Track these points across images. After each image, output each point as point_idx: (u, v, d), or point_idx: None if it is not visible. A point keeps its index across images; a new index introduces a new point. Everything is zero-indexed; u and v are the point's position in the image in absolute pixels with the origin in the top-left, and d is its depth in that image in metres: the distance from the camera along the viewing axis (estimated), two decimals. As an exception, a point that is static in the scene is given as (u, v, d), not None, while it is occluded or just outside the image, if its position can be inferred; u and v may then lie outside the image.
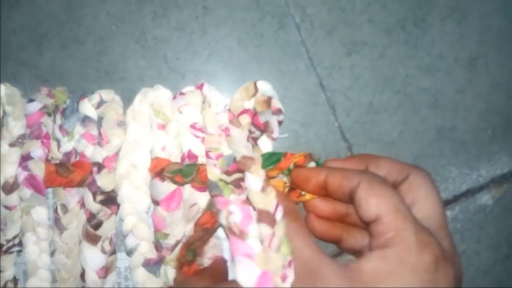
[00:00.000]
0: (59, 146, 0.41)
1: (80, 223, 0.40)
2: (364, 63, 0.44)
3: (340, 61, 0.44)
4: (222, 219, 0.37)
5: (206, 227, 0.38)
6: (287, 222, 0.34)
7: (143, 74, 0.44)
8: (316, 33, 0.44)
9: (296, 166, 0.38)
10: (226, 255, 0.40)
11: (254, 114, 0.40)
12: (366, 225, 0.31)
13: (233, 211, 0.36)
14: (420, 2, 0.44)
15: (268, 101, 0.40)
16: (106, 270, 0.40)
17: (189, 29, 0.44)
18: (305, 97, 0.43)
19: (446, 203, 0.43)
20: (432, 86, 0.44)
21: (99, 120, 0.40)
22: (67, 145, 0.40)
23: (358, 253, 0.37)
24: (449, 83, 0.44)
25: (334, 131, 0.43)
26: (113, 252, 0.40)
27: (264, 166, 0.38)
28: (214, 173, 0.38)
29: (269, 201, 0.36)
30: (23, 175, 0.39)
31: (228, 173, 0.38)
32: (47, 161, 0.40)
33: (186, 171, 0.39)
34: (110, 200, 0.39)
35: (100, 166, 0.39)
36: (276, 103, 0.40)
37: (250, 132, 0.40)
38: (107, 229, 0.40)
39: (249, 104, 0.40)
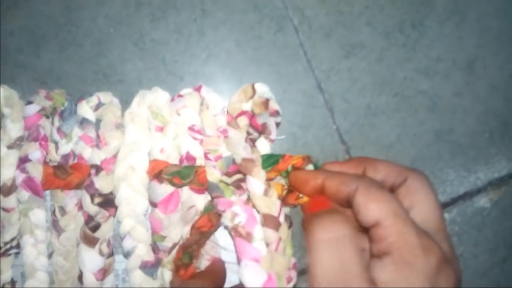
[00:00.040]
0: (57, 148, 0.41)
1: (78, 225, 0.40)
2: (362, 65, 0.44)
3: (338, 64, 0.44)
4: (227, 221, 0.37)
5: (203, 230, 0.38)
6: (336, 218, 0.32)
7: (141, 77, 0.44)
8: (314, 35, 0.44)
9: (294, 168, 0.38)
10: (223, 258, 0.40)
11: (252, 116, 0.40)
12: (365, 230, 0.31)
13: (237, 212, 0.37)
14: (418, 5, 0.44)
15: (265, 103, 0.40)
16: (104, 272, 0.40)
17: (187, 31, 0.44)
18: (303, 99, 0.43)
19: (444, 206, 0.43)
20: (430, 89, 0.44)
21: (97, 122, 0.40)
22: (65, 147, 0.40)
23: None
24: (447, 86, 0.44)
25: (332, 134, 0.43)
26: (111, 254, 0.40)
27: (262, 167, 0.38)
28: (214, 174, 0.38)
29: (272, 204, 0.36)
30: (21, 177, 0.39)
31: (228, 174, 0.38)
32: (45, 163, 0.40)
33: (184, 173, 0.39)
34: (108, 202, 0.39)
35: (98, 169, 0.39)
36: (274, 105, 0.40)
37: (248, 133, 0.40)
38: (105, 231, 0.40)
39: (247, 106, 0.40)
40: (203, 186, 0.39)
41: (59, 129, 0.41)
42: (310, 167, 0.38)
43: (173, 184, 0.39)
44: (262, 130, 0.40)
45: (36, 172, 0.39)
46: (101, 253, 0.39)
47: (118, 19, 0.44)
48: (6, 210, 0.39)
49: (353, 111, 0.43)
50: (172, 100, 0.41)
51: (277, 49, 0.44)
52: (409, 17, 0.44)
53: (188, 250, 0.38)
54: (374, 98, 0.44)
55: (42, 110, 0.41)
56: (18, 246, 0.40)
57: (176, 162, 0.40)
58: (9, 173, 0.39)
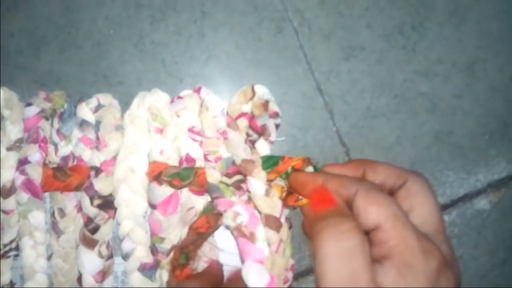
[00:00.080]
0: (56, 150, 0.41)
1: (77, 227, 0.40)
2: (362, 67, 0.44)
3: (338, 66, 0.44)
4: (229, 220, 0.37)
5: (200, 231, 0.38)
6: (348, 226, 0.30)
7: (141, 78, 0.44)
8: (314, 37, 0.44)
9: (294, 170, 0.38)
10: (221, 260, 0.40)
11: (252, 117, 0.40)
12: (365, 234, 0.31)
13: (239, 211, 0.37)
14: (418, 7, 0.44)
15: (265, 105, 0.40)
16: (103, 275, 0.40)
17: (187, 33, 0.44)
18: (303, 101, 0.43)
19: (444, 208, 0.43)
20: (430, 90, 0.44)
21: (97, 124, 0.40)
22: (65, 149, 0.40)
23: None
24: (447, 87, 0.44)
25: (332, 136, 0.43)
26: (110, 256, 0.40)
27: (262, 169, 0.38)
28: (214, 175, 0.38)
29: (274, 204, 0.36)
30: (20, 179, 0.39)
31: (228, 175, 0.38)
32: (45, 165, 0.40)
33: (184, 175, 0.39)
34: (107, 204, 0.39)
35: (97, 170, 0.39)
36: (273, 107, 0.40)
37: (248, 135, 0.40)
38: (104, 233, 0.40)
39: (247, 108, 0.40)
40: (202, 187, 0.39)
41: (58, 131, 0.41)
42: (310, 169, 0.38)
43: (172, 185, 0.39)
44: (261, 132, 0.40)
45: (36, 174, 0.39)
46: (100, 255, 0.39)
47: (118, 20, 0.44)
48: (6, 212, 0.39)
49: (353, 113, 0.43)
50: (172, 101, 0.41)
51: (277, 51, 0.44)
52: (409, 19, 0.44)
53: (185, 250, 0.38)
54: (374, 100, 0.43)
55: (41, 112, 0.41)
56: (17, 248, 0.40)
57: (176, 163, 0.40)
58: (9, 175, 0.39)
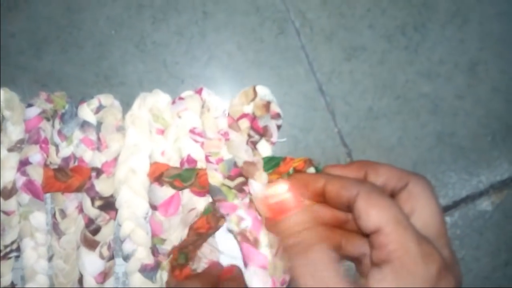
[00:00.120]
0: (57, 151, 0.41)
1: (78, 228, 0.40)
2: (364, 68, 0.44)
3: (339, 66, 0.44)
4: (232, 225, 0.37)
5: (201, 232, 0.38)
6: (312, 240, 0.30)
7: (142, 79, 0.43)
8: (316, 38, 0.44)
9: (296, 171, 0.38)
10: (222, 262, 0.40)
11: (253, 118, 0.40)
12: (366, 236, 0.31)
13: (243, 216, 0.37)
14: (420, 8, 0.44)
15: (267, 106, 0.40)
16: (104, 276, 0.39)
17: (189, 33, 0.44)
18: (304, 102, 0.43)
19: (446, 209, 0.43)
20: (432, 91, 0.44)
21: (98, 125, 0.40)
22: (66, 150, 0.40)
23: (357, 260, 0.37)
24: (449, 88, 0.44)
25: (334, 137, 0.43)
26: (111, 258, 0.40)
27: (263, 170, 0.38)
28: (215, 177, 0.38)
29: None
30: (21, 180, 0.39)
31: (230, 178, 0.38)
32: (46, 166, 0.40)
33: (185, 176, 0.39)
34: (108, 205, 0.39)
35: (98, 171, 0.39)
36: (275, 108, 0.40)
37: (249, 136, 0.40)
38: (105, 234, 0.39)
39: (248, 109, 0.40)
40: (204, 189, 0.39)
41: (59, 132, 0.41)
42: (311, 170, 0.38)
43: (174, 187, 0.39)
44: (263, 133, 0.40)
45: (37, 175, 0.39)
46: (101, 256, 0.39)
47: (119, 21, 0.44)
48: (7, 213, 0.39)
49: (355, 113, 0.43)
50: (173, 102, 0.41)
51: (278, 52, 0.44)
52: (411, 19, 0.44)
53: (184, 251, 0.38)
54: (376, 100, 0.43)
55: (42, 113, 0.41)
56: (18, 249, 0.40)
57: (177, 165, 0.40)
58: (10, 176, 0.39)
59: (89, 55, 0.44)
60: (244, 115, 0.40)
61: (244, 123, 0.40)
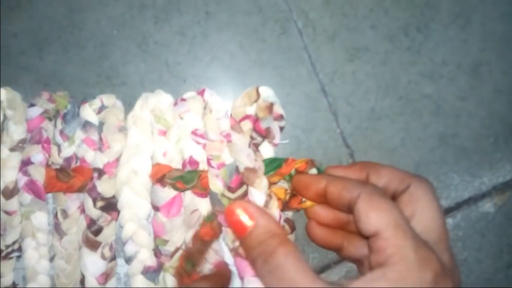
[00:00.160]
0: (59, 151, 0.41)
1: (80, 229, 0.40)
2: (367, 69, 0.43)
3: (342, 67, 0.43)
4: (227, 240, 0.37)
5: (205, 239, 0.38)
6: (274, 245, 0.31)
7: (144, 79, 0.43)
8: (318, 38, 0.44)
9: (298, 172, 0.38)
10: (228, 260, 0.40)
11: (256, 120, 0.40)
12: (366, 238, 0.31)
13: None
14: (423, 9, 0.44)
15: (270, 107, 0.40)
16: (106, 277, 0.39)
17: (191, 33, 0.44)
18: (307, 102, 0.43)
19: (448, 211, 0.43)
20: (435, 92, 0.43)
21: (100, 125, 0.40)
22: (68, 150, 0.40)
23: (358, 261, 0.37)
24: (452, 89, 0.44)
25: (336, 137, 0.43)
26: (113, 258, 0.40)
27: (265, 172, 0.38)
28: (216, 185, 0.38)
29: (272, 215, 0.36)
30: (23, 180, 0.39)
31: (231, 190, 0.38)
32: (48, 166, 0.40)
33: (188, 178, 0.38)
34: (110, 206, 0.39)
35: (100, 172, 0.39)
36: (278, 109, 0.40)
37: (252, 138, 0.39)
38: (107, 235, 0.39)
39: (251, 110, 0.40)
40: (206, 190, 0.39)
41: (61, 132, 0.41)
42: (314, 171, 0.38)
43: (176, 188, 0.39)
44: (265, 135, 0.39)
45: (39, 175, 0.39)
46: (103, 257, 0.39)
47: (121, 21, 0.44)
48: (8, 213, 0.39)
49: (357, 114, 0.43)
50: (175, 104, 0.41)
51: (281, 52, 0.43)
52: (414, 20, 0.44)
53: (191, 259, 0.38)
54: (378, 101, 0.43)
55: (44, 113, 0.40)
56: (19, 249, 0.40)
57: (179, 166, 0.40)
58: (11, 175, 0.39)
59: (91, 55, 0.44)
60: (246, 117, 0.40)
61: (247, 125, 0.40)
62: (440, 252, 0.30)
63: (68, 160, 0.40)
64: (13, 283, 0.40)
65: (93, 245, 0.39)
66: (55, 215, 0.40)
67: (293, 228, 0.39)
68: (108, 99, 0.41)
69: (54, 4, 0.44)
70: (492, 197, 0.43)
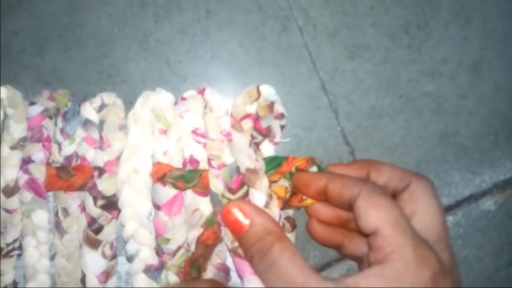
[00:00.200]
0: (60, 149, 0.41)
1: (80, 227, 0.40)
2: (367, 67, 0.43)
3: (342, 65, 0.43)
4: (226, 240, 0.37)
5: (208, 243, 0.38)
6: (270, 242, 0.31)
7: (145, 77, 0.43)
8: (319, 36, 0.44)
9: (298, 170, 0.38)
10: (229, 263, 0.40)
11: (256, 118, 0.40)
12: (365, 236, 0.31)
13: None
14: (423, 6, 0.44)
15: (270, 106, 0.40)
16: (106, 275, 0.39)
17: (191, 32, 0.44)
18: (307, 101, 0.43)
19: (449, 209, 0.43)
20: (435, 90, 0.43)
21: (101, 124, 0.40)
22: (68, 149, 0.40)
23: (359, 259, 0.37)
24: (452, 87, 0.44)
25: (337, 135, 0.43)
26: (114, 257, 0.40)
27: (265, 170, 0.38)
28: (217, 186, 0.38)
29: (272, 215, 0.36)
30: (23, 178, 0.39)
31: (232, 191, 0.38)
32: (48, 164, 0.40)
33: (189, 177, 0.38)
34: (111, 204, 0.39)
35: (101, 170, 0.39)
36: (279, 108, 0.40)
37: (252, 137, 0.39)
38: (108, 233, 0.39)
39: (252, 109, 0.40)
40: (206, 189, 0.39)
41: (62, 130, 0.40)
42: (314, 169, 0.38)
43: (176, 187, 0.39)
44: (266, 134, 0.39)
45: (39, 173, 0.39)
46: (104, 255, 0.39)
47: (122, 19, 0.44)
48: (9, 211, 0.39)
49: (358, 112, 0.43)
50: (176, 103, 0.40)
51: (281, 50, 0.43)
52: (414, 18, 0.44)
53: (195, 264, 0.38)
54: (379, 99, 0.43)
55: (45, 111, 0.40)
56: (20, 247, 0.40)
57: (180, 165, 0.40)
58: (12, 174, 0.39)
59: (91, 53, 0.43)
60: (247, 115, 0.40)
61: (247, 124, 0.40)
62: (440, 251, 0.30)
63: (68, 158, 0.40)
64: (14, 281, 0.40)
65: (94, 244, 0.39)
66: (56, 214, 0.40)
67: (294, 226, 0.40)
68: (109, 97, 0.41)
69: (54, 2, 0.44)
70: (493, 195, 0.43)
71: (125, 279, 0.41)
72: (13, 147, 0.40)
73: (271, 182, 0.38)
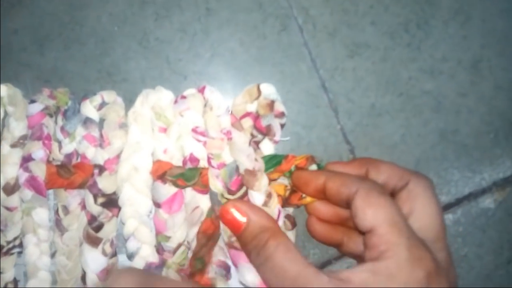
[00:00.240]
0: (60, 147, 0.41)
1: (81, 225, 0.40)
2: (367, 65, 0.43)
3: (342, 63, 0.43)
4: (224, 236, 0.37)
5: (208, 233, 0.38)
6: (266, 238, 0.32)
7: (145, 76, 0.43)
8: (318, 35, 0.44)
9: (298, 168, 0.38)
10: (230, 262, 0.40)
11: (257, 117, 0.40)
12: (362, 234, 0.31)
13: None
14: (423, 5, 0.44)
15: (271, 105, 0.40)
16: (107, 273, 0.39)
17: (192, 30, 0.44)
18: (307, 99, 0.43)
19: (448, 207, 0.43)
20: (435, 89, 0.43)
21: (101, 122, 0.40)
22: (69, 147, 0.40)
23: (358, 257, 0.37)
24: (452, 86, 0.44)
25: (336, 134, 0.43)
26: (114, 254, 0.40)
27: (265, 168, 0.38)
28: (217, 186, 0.38)
29: (271, 214, 0.36)
30: (24, 176, 0.39)
31: (231, 192, 0.38)
32: (48, 162, 0.40)
33: (189, 175, 0.38)
34: (111, 202, 0.39)
35: (101, 168, 0.39)
36: (279, 106, 0.40)
37: (252, 136, 0.39)
38: (108, 231, 0.39)
39: (252, 107, 0.40)
40: (206, 187, 0.39)
41: (62, 128, 0.41)
42: (314, 167, 0.38)
43: (177, 185, 0.39)
44: (266, 132, 0.39)
45: (39, 171, 0.39)
46: (104, 253, 0.39)
47: (122, 17, 0.44)
48: (9, 209, 0.39)
49: (358, 111, 0.43)
50: (176, 101, 0.41)
51: (281, 49, 0.43)
52: (414, 16, 0.44)
53: (199, 256, 0.38)
54: (379, 98, 0.43)
55: (45, 109, 0.41)
56: (20, 245, 0.40)
57: (180, 163, 0.40)
58: (12, 172, 0.39)
59: (91, 52, 0.44)
60: (247, 114, 0.40)
61: (247, 122, 0.40)
62: (437, 251, 0.30)
63: (69, 156, 0.40)
64: (14, 279, 0.40)
65: (94, 241, 0.39)
66: (56, 211, 0.40)
67: (294, 224, 0.40)
68: (109, 96, 0.41)
69: (55, 0, 0.44)
70: (492, 193, 0.43)
71: (125, 277, 0.41)
72: (13, 145, 0.40)
73: (271, 180, 0.38)
